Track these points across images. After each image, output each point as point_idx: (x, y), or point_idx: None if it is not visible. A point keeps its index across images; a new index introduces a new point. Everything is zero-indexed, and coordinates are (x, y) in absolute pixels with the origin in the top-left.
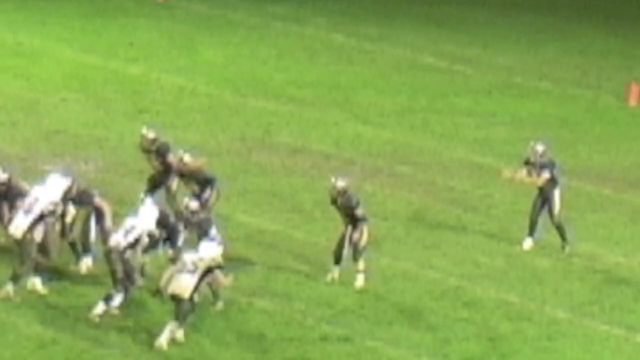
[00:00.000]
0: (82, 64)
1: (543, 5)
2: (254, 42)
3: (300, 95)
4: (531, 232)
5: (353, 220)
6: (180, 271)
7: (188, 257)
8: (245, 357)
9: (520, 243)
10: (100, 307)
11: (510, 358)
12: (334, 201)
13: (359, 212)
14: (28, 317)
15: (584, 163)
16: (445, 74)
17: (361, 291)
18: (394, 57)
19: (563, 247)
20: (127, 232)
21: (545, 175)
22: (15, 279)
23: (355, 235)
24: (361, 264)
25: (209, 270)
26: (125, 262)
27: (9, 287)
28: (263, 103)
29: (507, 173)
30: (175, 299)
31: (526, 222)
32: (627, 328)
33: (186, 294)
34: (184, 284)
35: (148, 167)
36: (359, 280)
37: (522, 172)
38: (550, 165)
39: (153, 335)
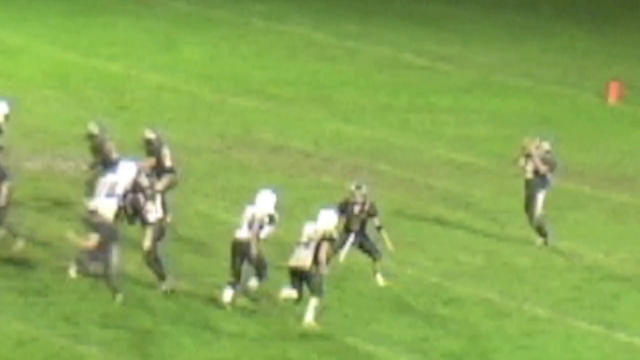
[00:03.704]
0: (62, 62)
1: (524, 4)
2: (234, 40)
3: (281, 93)
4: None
5: (363, 227)
6: (298, 245)
7: (307, 228)
8: (225, 355)
9: (500, 240)
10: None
11: (490, 355)
12: (346, 207)
13: (377, 220)
14: (7, 315)
15: (564, 161)
16: (426, 71)
17: (341, 288)
18: (375, 55)
19: (546, 243)
20: (250, 224)
21: (543, 168)
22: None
23: (386, 244)
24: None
25: (320, 242)
26: (258, 249)
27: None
28: (243, 101)
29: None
30: (297, 273)
31: (506, 219)
32: (607, 325)
33: (307, 266)
34: (302, 257)
35: None
36: (380, 280)
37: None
38: (551, 164)
39: (134, 332)
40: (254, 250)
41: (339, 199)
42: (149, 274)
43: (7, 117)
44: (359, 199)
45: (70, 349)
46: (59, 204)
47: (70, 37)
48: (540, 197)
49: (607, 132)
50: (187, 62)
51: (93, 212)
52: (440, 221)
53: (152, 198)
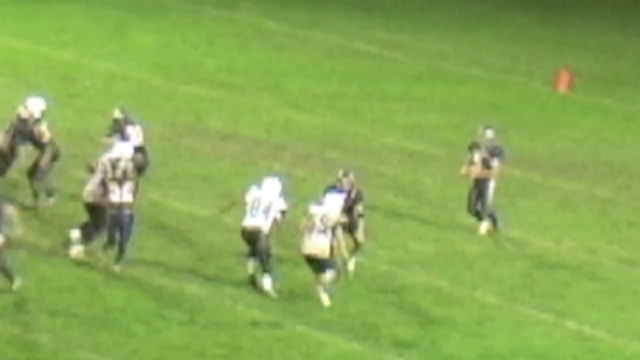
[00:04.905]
0: (13, 49)
1: None
2: (185, 27)
3: (231, 80)
4: (480, 218)
5: (350, 213)
6: (310, 230)
7: (316, 212)
8: (175, 342)
9: (450, 228)
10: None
11: (440, 343)
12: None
13: (361, 207)
14: None
15: (513, 149)
16: (376, 59)
17: (291, 276)
18: (325, 43)
19: (495, 231)
20: (266, 212)
21: (495, 163)
22: (86, 239)
23: (358, 233)
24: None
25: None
26: (268, 241)
27: (80, 248)
28: (194, 88)
29: (464, 170)
30: (315, 259)
31: (456, 206)
32: (556, 313)
33: (326, 254)
34: (320, 245)
35: (79, 153)
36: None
37: (477, 168)
38: (499, 153)
39: (84, 320)
40: (264, 242)
41: (290, 186)
42: (99, 261)
43: (43, 113)
44: (346, 186)
45: (21, 337)
46: (10, 191)
47: (21, 25)
48: (492, 186)
49: (556, 120)
50: (137, 50)
51: None
52: (390, 209)
53: (118, 180)
